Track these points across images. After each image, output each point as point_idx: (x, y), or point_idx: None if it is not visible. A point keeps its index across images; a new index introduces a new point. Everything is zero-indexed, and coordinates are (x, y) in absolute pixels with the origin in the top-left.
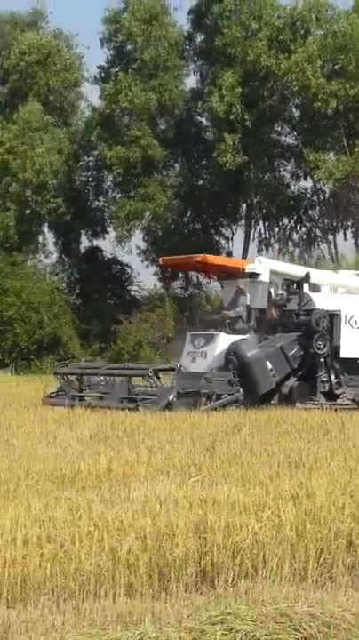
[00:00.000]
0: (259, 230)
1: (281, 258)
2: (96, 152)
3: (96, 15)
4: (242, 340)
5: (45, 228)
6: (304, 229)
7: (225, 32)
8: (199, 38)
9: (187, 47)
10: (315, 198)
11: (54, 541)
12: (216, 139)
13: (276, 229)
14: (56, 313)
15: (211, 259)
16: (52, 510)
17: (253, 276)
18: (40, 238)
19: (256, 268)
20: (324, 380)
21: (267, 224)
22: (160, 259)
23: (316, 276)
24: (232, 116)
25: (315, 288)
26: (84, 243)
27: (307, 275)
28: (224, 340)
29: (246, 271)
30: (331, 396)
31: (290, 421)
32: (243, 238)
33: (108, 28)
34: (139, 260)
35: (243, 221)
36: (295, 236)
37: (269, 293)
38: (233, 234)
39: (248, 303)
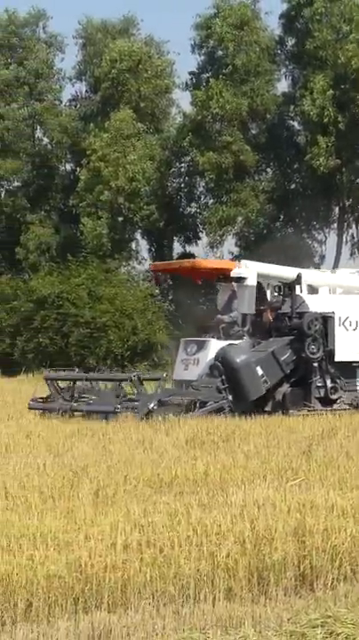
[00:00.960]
0: (352, 234)
1: None
2: (188, 158)
3: (187, 21)
4: (230, 345)
5: (138, 235)
6: None
7: (316, 35)
8: (290, 42)
9: (279, 51)
10: None
11: (154, 546)
12: (308, 142)
13: None
14: (149, 319)
15: (201, 263)
16: (151, 515)
17: (239, 280)
18: (133, 245)
19: (242, 272)
20: (319, 385)
21: None
22: (150, 264)
23: (311, 276)
24: (324, 120)
25: (312, 290)
26: (177, 249)
27: (299, 276)
28: (215, 347)
29: (231, 275)
30: (326, 401)
31: None
32: (336, 242)
33: (199, 33)
34: None
35: (335, 225)
36: None
37: (265, 296)
38: (326, 237)
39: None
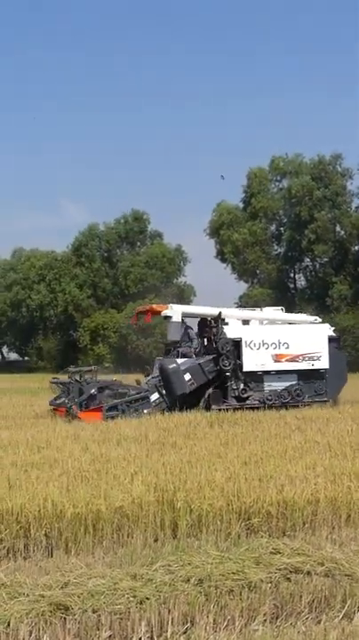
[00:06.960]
0: None
1: None
2: None
3: None
4: (166, 358)
5: None
6: None
7: None
8: None
9: None
10: None
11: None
12: None
13: None
14: None
15: (154, 307)
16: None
17: (167, 318)
18: None
19: (168, 312)
20: (234, 387)
21: None
22: (135, 309)
23: (236, 313)
24: None
25: (245, 322)
26: None
27: (220, 313)
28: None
29: (162, 315)
30: (240, 399)
31: None
32: None
33: None
34: None
35: None
36: None
37: (209, 327)
38: None
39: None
